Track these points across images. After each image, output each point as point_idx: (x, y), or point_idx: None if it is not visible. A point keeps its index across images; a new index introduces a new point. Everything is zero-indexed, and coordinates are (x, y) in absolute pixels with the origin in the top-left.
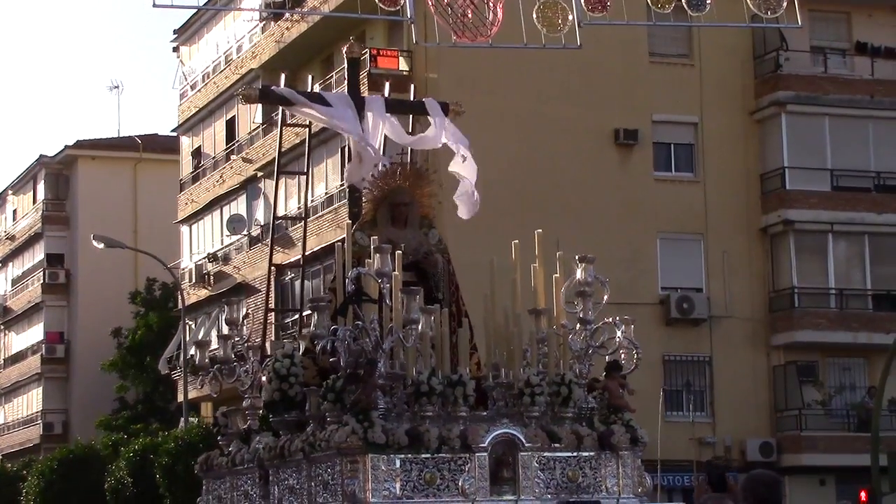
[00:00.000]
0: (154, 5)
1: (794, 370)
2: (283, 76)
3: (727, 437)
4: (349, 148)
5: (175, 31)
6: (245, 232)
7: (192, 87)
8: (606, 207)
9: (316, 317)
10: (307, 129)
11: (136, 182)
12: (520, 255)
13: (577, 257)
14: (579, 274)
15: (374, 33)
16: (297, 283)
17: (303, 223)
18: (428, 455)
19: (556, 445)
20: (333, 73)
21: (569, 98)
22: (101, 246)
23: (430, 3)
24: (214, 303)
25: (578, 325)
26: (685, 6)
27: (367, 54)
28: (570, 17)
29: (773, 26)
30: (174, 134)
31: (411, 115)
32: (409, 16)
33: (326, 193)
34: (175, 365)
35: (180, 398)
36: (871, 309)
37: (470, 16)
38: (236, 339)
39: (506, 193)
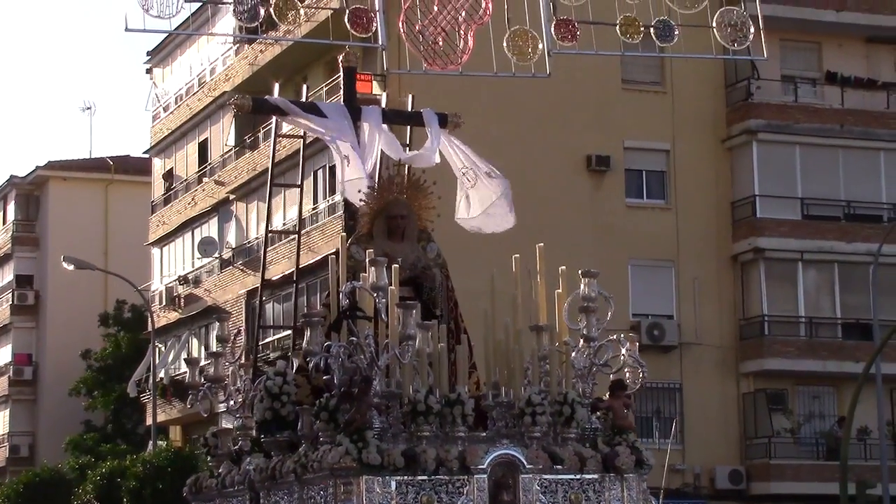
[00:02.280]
0: (126, 29)
1: (764, 398)
2: (276, 85)
3: (697, 465)
4: (340, 159)
5: (148, 53)
6: (216, 254)
7: (165, 109)
8: (578, 233)
9: (309, 333)
10: (301, 140)
11: (108, 204)
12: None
13: (580, 272)
14: (583, 289)
15: (350, 58)
16: (269, 307)
17: (296, 237)
18: (425, 477)
19: (559, 467)
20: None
21: (541, 124)
22: (71, 267)
23: (401, 30)
24: (185, 325)
25: (582, 342)
26: (654, 37)
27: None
28: (540, 46)
29: (739, 58)
30: (146, 156)
31: (409, 127)
32: (381, 42)
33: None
34: (144, 388)
35: (149, 421)
36: (840, 337)
37: (441, 43)
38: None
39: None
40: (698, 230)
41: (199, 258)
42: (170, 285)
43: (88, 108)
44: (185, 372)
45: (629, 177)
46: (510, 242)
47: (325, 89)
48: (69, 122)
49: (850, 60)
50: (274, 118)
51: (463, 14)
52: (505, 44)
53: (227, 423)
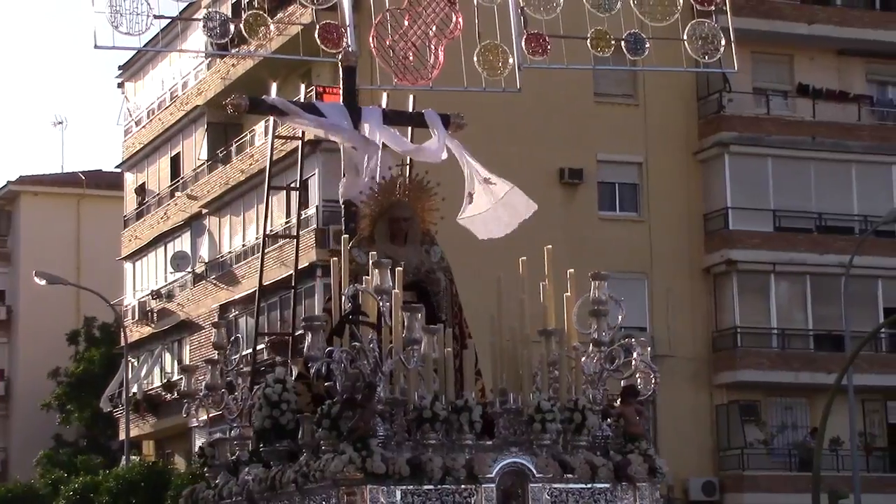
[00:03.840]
0: (95, 46)
1: (737, 409)
2: (273, 85)
3: (669, 476)
4: (342, 162)
5: (120, 68)
6: (189, 269)
7: (137, 124)
8: (552, 245)
9: (310, 338)
10: (300, 140)
11: (80, 218)
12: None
13: (590, 274)
14: (593, 292)
15: (321, 70)
16: (242, 321)
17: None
18: (431, 486)
19: (569, 476)
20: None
21: (514, 137)
22: (43, 282)
23: (372, 45)
24: (157, 340)
25: (592, 347)
26: (625, 50)
27: (314, 92)
28: (511, 61)
29: (711, 71)
30: (118, 170)
31: (410, 129)
32: (352, 58)
33: (271, 230)
34: (117, 402)
35: (122, 436)
36: (812, 349)
37: (411, 58)
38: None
39: (452, 231)
40: (671, 242)
41: (171, 273)
42: (142, 300)
43: (60, 123)
44: (158, 386)
45: (602, 189)
46: (485, 255)
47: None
48: (40, 136)
49: (822, 73)
50: (272, 119)
51: (433, 29)
52: (475, 58)
53: (199, 438)
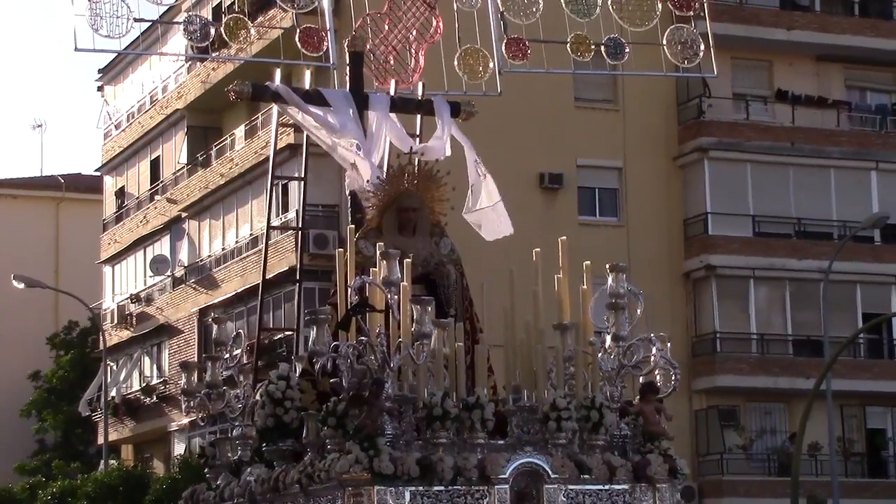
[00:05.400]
0: (76, 49)
1: (716, 414)
2: (277, 72)
3: None
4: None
5: (100, 71)
6: (168, 273)
7: (117, 127)
8: (531, 250)
9: (315, 332)
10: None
11: (59, 222)
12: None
13: (607, 266)
14: (611, 284)
15: (301, 74)
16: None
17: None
18: (441, 487)
19: (586, 477)
20: (259, 113)
21: (493, 141)
22: (22, 286)
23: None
24: (136, 344)
25: (610, 342)
26: (605, 55)
27: None
28: (491, 65)
29: (690, 76)
30: (98, 174)
31: (419, 116)
32: (331, 62)
33: (251, 234)
34: (96, 407)
35: (100, 440)
36: (791, 354)
37: (392, 62)
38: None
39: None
40: (650, 247)
41: (150, 276)
42: (121, 304)
43: (39, 126)
44: (137, 390)
45: (582, 194)
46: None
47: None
48: (19, 139)
49: (801, 79)
50: (275, 108)
51: (414, 33)
52: (456, 62)
53: (179, 442)
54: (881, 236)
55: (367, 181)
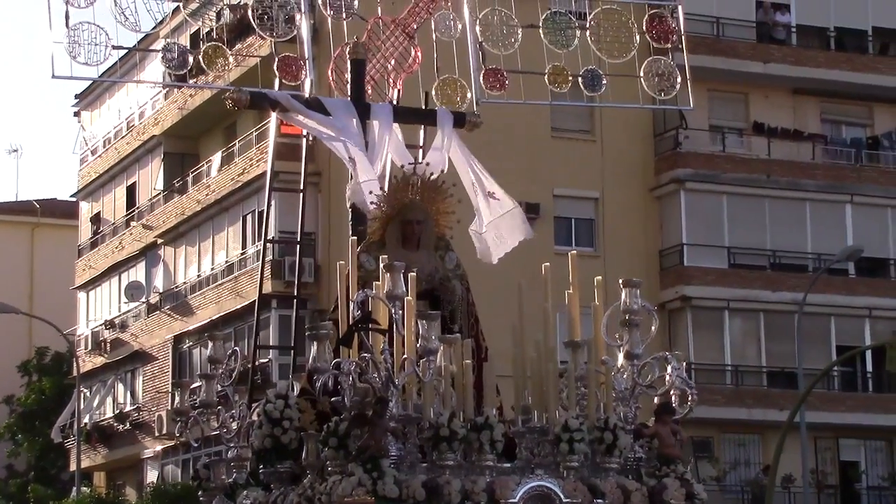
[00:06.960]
0: (53, 76)
1: (690, 446)
2: (276, 79)
3: None
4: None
5: (77, 96)
6: (143, 299)
7: (93, 153)
8: (507, 280)
9: (315, 348)
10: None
11: (34, 247)
12: None
13: (621, 281)
14: (624, 300)
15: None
16: (196, 352)
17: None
18: None
19: (599, 501)
20: (236, 140)
21: None
22: None
23: (331, 78)
24: (110, 370)
25: (623, 361)
26: (582, 86)
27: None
28: (469, 95)
29: (667, 108)
30: (73, 199)
31: (423, 127)
32: (309, 91)
33: (227, 261)
34: (69, 433)
35: (73, 467)
36: (765, 385)
37: (370, 92)
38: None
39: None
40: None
41: (125, 303)
42: (96, 330)
43: (15, 151)
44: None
45: (558, 224)
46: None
47: (255, 134)
48: None
49: (777, 111)
50: (273, 115)
51: (392, 62)
52: (434, 92)
53: (152, 469)
54: (855, 269)
55: (366, 181)
